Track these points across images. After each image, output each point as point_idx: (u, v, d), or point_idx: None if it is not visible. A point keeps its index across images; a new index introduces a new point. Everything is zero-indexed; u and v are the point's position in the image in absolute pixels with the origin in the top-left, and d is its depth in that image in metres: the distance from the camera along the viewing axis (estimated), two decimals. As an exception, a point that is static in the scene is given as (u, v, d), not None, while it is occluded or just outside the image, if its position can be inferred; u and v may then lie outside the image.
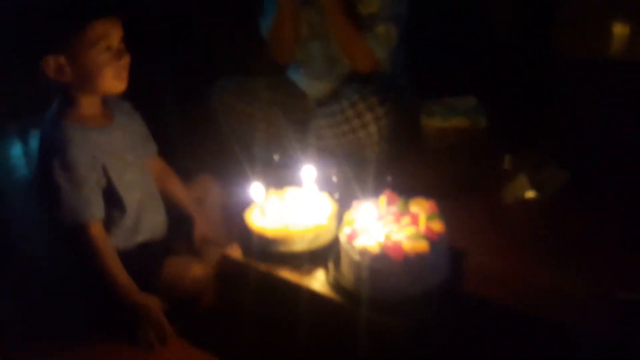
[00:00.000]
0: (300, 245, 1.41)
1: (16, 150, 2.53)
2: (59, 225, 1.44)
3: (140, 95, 1.54)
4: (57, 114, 1.46)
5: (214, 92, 2.09)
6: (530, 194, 1.76)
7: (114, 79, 1.44)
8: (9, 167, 2.42)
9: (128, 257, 1.50)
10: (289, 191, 1.56)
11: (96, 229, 1.44)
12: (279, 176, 1.77)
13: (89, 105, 1.47)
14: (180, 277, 1.49)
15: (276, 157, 2.02)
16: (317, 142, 1.93)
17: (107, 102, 1.53)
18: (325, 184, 1.57)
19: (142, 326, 1.43)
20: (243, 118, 2.05)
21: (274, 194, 1.55)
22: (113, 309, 1.46)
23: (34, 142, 2.55)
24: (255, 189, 1.49)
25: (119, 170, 1.49)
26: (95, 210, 1.44)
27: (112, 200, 1.49)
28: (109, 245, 1.47)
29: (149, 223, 1.58)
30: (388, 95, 1.87)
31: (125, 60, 1.44)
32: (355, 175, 1.78)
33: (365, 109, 1.83)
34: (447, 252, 1.33)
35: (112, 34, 1.41)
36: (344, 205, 1.46)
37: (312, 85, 2.08)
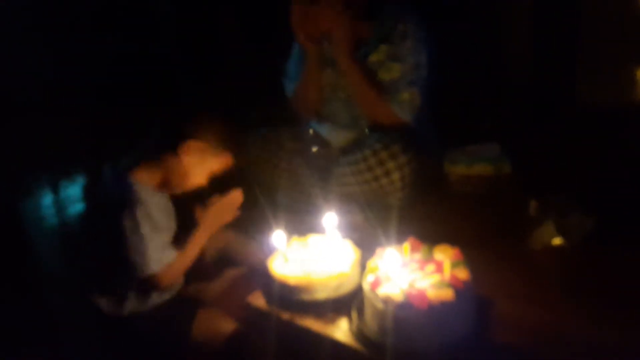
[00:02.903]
0: (322, 293, 1.40)
1: (47, 200, 2.60)
2: (139, 272, 1.48)
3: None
4: (125, 171, 1.52)
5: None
6: (557, 240, 1.73)
7: (184, 186, 1.56)
8: (39, 216, 2.48)
9: (158, 312, 1.53)
10: (312, 238, 1.56)
11: (166, 268, 1.52)
12: (302, 223, 1.78)
13: (158, 179, 1.56)
14: (211, 333, 1.50)
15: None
16: (340, 190, 1.94)
17: None
18: (348, 231, 1.57)
19: None
20: (267, 168, 2.07)
21: (296, 241, 1.55)
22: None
23: (64, 192, 2.61)
24: (278, 237, 1.49)
25: (165, 232, 1.55)
26: (172, 253, 1.52)
27: None
28: (173, 264, 1.53)
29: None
30: (410, 143, 1.88)
31: (204, 186, 1.60)
32: (378, 222, 1.77)
33: (388, 157, 1.84)
34: (473, 300, 1.31)
35: (229, 162, 1.59)
36: (367, 252, 1.45)
37: (335, 135, 2.11)
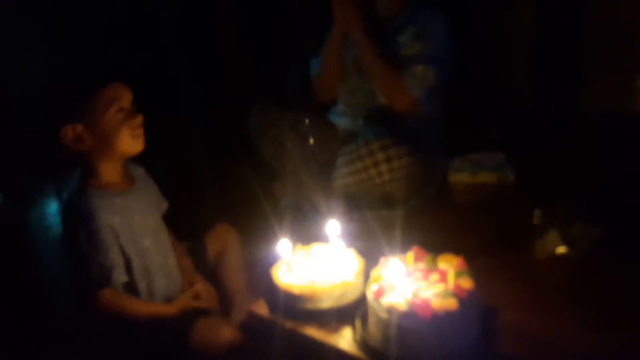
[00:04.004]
0: (326, 302, 1.40)
1: (52, 208, 2.60)
2: (85, 290, 1.46)
3: (169, 151, 1.58)
4: (80, 182, 1.50)
5: (254, 113, 2.14)
6: (561, 249, 1.73)
7: (131, 139, 1.48)
8: (45, 225, 2.48)
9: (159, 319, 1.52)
10: (316, 247, 1.56)
11: (115, 291, 1.47)
12: (307, 231, 1.78)
13: (109, 171, 1.51)
14: (211, 340, 1.49)
15: (311, 141, 2.09)
16: (338, 184, 1.95)
17: (126, 168, 1.58)
18: (351, 239, 1.57)
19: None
20: (279, 146, 2.08)
21: (301, 249, 1.55)
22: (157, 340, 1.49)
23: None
24: (283, 245, 1.49)
25: (139, 235, 1.52)
26: (119, 275, 1.47)
27: (137, 266, 1.51)
28: (126, 296, 1.49)
29: (174, 285, 1.59)
30: (405, 139, 1.90)
31: (139, 119, 1.49)
32: (381, 231, 1.77)
33: (378, 148, 1.88)
34: (477, 310, 1.31)
35: (122, 96, 1.46)
36: (371, 261, 1.45)
37: (342, 120, 2.15)
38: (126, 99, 1.47)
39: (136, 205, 1.53)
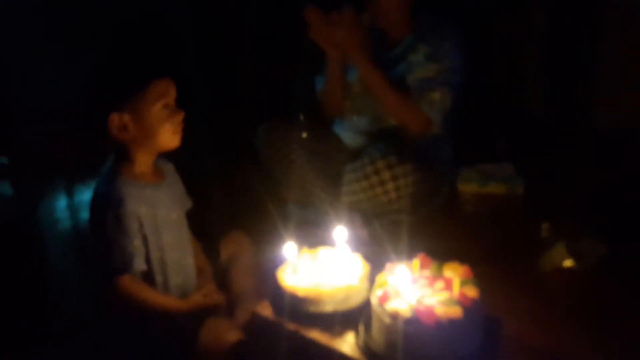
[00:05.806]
0: (330, 305, 1.40)
1: (61, 203, 2.62)
2: (105, 274, 1.47)
3: (178, 151, 1.60)
4: (112, 170, 1.52)
5: (262, 129, 2.15)
6: (568, 263, 1.72)
7: (171, 135, 1.51)
8: (53, 219, 2.50)
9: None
10: (322, 251, 1.56)
11: (134, 279, 1.48)
12: (313, 235, 1.79)
13: (143, 162, 1.53)
14: (217, 341, 1.49)
15: (304, 135, 2.08)
16: (346, 198, 1.95)
17: (157, 162, 1.60)
18: (357, 244, 1.57)
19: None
20: (283, 161, 2.09)
21: (307, 252, 1.55)
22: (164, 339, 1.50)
23: (79, 196, 2.64)
24: (289, 248, 1.50)
25: (161, 229, 1.53)
26: (140, 264, 1.48)
27: (155, 259, 1.52)
28: (144, 285, 1.50)
29: (189, 283, 1.61)
30: (411, 156, 1.89)
31: (180, 116, 1.53)
32: (387, 237, 1.78)
33: (384, 166, 1.86)
34: (481, 319, 1.30)
35: (169, 92, 1.50)
36: (376, 266, 1.45)
37: (350, 137, 2.14)
38: (172, 95, 1.51)
39: (162, 199, 1.55)
